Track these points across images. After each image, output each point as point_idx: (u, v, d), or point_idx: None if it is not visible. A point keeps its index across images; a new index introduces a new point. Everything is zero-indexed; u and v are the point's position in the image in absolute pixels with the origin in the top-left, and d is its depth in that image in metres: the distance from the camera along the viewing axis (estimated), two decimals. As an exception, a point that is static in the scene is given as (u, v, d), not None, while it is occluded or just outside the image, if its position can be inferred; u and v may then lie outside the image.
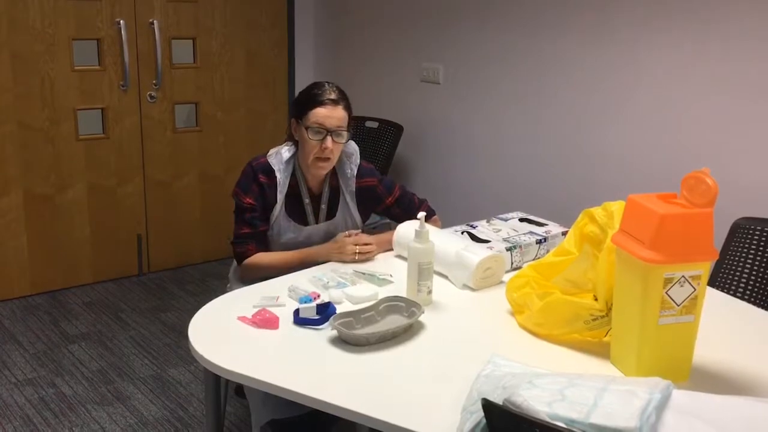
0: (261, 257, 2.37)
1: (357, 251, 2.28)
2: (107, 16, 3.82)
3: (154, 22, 3.95)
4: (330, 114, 2.30)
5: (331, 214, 2.47)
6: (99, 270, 4.06)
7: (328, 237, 2.42)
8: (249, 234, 2.38)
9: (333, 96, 2.32)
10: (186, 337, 1.87)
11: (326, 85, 2.36)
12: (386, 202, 2.51)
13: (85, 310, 3.74)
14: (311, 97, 2.33)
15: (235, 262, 2.54)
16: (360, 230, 2.44)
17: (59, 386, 3.02)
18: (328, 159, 2.33)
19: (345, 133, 2.35)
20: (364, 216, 2.52)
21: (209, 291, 3.96)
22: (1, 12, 3.54)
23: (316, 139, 2.30)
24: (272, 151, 2.44)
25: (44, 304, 3.79)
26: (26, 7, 3.60)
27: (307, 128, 2.30)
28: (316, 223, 2.45)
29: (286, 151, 2.43)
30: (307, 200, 2.43)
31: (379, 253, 2.37)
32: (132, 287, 4.04)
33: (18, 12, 3.59)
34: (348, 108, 2.36)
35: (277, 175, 2.38)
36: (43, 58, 3.69)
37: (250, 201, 2.37)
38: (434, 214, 2.56)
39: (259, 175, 2.38)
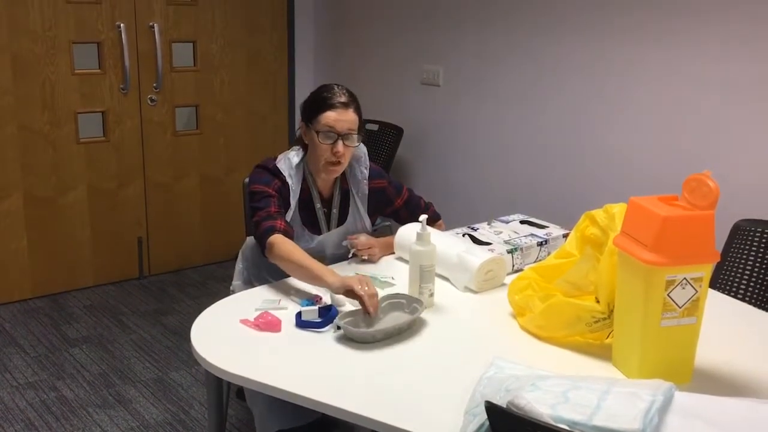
0: (292, 246, 2.14)
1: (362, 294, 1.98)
2: (107, 19, 3.83)
3: (154, 25, 3.95)
4: (340, 117, 2.26)
5: (342, 218, 2.43)
6: (100, 273, 4.06)
7: (340, 242, 2.39)
8: (278, 212, 2.22)
9: (343, 99, 2.29)
10: (187, 339, 1.87)
11: (336, 87, 2.33)
12: (396, 203, 2.50)
13: (85, 313, 3.74)
14: (321, 101, 2.29)
15: (238, 263, 2.50)
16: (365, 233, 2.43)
17: (60, 389, 3.02)
18: (339, 163, 2.29)
19: (356, 137, 2.31)
20: (373, 219, 2.50)
21: (210, 293, 3.96)
22: (2, 15, 3.55)
23: (327, 143, 2.26)
24: (280, 156, 2.36)
25: (45, 307, 3.79)
26: (26, 10, 3.60)
27: (317, 132, 2.27)
28: (328, 229, 2.41)
29: (294, 156, 2.36)
30: (318, 205, 2.38)
31: (382, 256, 2.37)
32: (133, 290, 4.04)
33: (18, 15, 3.59)
34: (358, 111, 2.33)
35: (289, 181, 2.31)
36: (44, 61, 3.69)
37: (273, 191, 2.26)
38: (439, 219, 2.55)
39: (279, 175, 2.31)
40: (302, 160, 2.37)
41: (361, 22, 4.31)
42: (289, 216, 2.30)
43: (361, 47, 4.34)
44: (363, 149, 2.43)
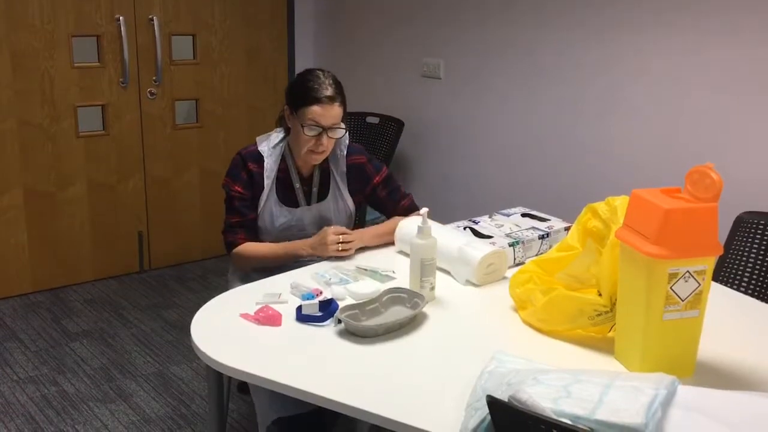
0: (249, 247, 2.38)
1: (340, 241, 2.25)
2: (106, 12, 3.81)
3: (154, 18, 3.93)
4: (326, 113, 2.29)
5: (322, 196, 2.47)
6: (100, 267, 4.05)
7: (320, 218, 2.43)
8: (238, 223, 2.39)
9: (329, 92, 2.30)
10: (188, 334, 1.87)
11: (321, 76, 2.33)
12: (374, 180, 2.49)
13: (86, 307, 3.73)
14: (307, 92, 2.30)
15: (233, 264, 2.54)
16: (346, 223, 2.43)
17: (61, 384, 3.02)
18: (322, 152, 2.34)
19: (340, 130, 2.34)
20: (355, 198, 2.50)
21: (210, 288, 3.96)
22: (0, 9, 3.53)
23: (312, 135, 2.30)
24: (260, 137, 2.44)
25: (45, 301, 3.79)
26: (25, 3, 3.59)
27: (302, 125, 2.30)
28: (308, 205, 2.45)
29: (274, 137, 2.44)
30: (297, 184, 2.43)
31: (359, 246, 2.33)
32: (133, 284, 4.03)
33: (17, 9, 3.57)
34: (343, 102, 2.35)
35: (266, 160, 2.39)
36: (43, 55, 3.68)
37: (239, 189, 2.38)
38: (417, 209, 2.54)
39: (249, 163, 2.39)
40: (282, 140, 2.43)
41: (361, 15, 4.29)
42: (264, 195, 2.39)
43: (361, 40, 4.32)
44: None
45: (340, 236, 2.26)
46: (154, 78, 4.01)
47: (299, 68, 4.52)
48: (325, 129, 2.30)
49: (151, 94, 4.03)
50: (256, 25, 4.33)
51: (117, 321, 3.58)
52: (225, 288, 2.30)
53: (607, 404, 1.25)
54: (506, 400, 1.27)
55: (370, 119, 4.05)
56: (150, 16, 3.93)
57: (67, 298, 3.84)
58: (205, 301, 1.99)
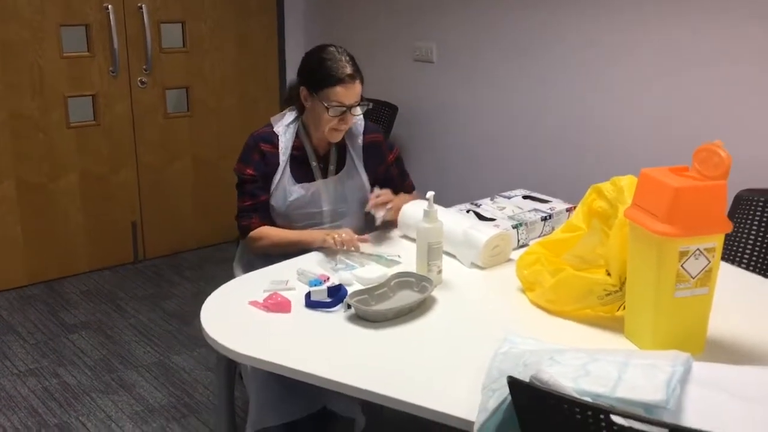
0: (265, 231, 2.34)
1: (341, 240, 2.19)
2: (95, 1, 3.77)
3: (143, 6, 3.89)
4: (349, 92, 2.27)
5: (338, 173, 2.44)
6: (94, 258, 4.03)
7: (336, 193, 2.40)
8: (252, 206, 2.36)
9: (349, 70, 2.27)
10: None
11: (337, 53, 2.30)
12: (388, 159, 2.50)
13: (82, 298, 3.71)
14: (327, 72, 2.27)
15: (238, 252, 2.52)
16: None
17: (62, 376, 3.00)
18: (344, 129, 2.34)
19: (363, 105, 2.34)
20: (370, 175, 2.46)
21: (207, 277, 3.93)
22: (-13, -1, 3.49)
23: (335, 115, 2.28)
24: (275, 118, 2.42)
25: (41, 294, 3.76)
26: (13, -7, 3.55)
27: (326, 107, 2.26)
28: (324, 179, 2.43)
29: (288, 116, 2.42)
30: (314, 162, 2.40)
31: (393, 213, 2.36)
32: (128, 274, 4.01)
33: (5, -1, 3.53)
34: (362, 78, 2.33)
35: (281, 138, 2.37)
36: (32, 46, 3.63)
37: (251, 172, 2.35)
38: (414, 189, 2.58)
39: (261, 144, 2.37)
40: (296, 118, 2.41)
41: (352, 0, 4.27)
42: (278, 173, 2.36)
43: (352, 26, 4.30)
44: None
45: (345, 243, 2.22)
46: (144, 66, 3.97)
47: (290, 56, 4.50)
48: (348, 108, 2.29)
49: (142, 82, 3.99)
50: (246, 12, 4.30)
51: (114, 312, 3.56)
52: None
53: (627, 381, 1.26)
54: (525, 380, 1.27)
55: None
56: (138, 4, 3.89)
57: (63, 289, 3.81)
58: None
